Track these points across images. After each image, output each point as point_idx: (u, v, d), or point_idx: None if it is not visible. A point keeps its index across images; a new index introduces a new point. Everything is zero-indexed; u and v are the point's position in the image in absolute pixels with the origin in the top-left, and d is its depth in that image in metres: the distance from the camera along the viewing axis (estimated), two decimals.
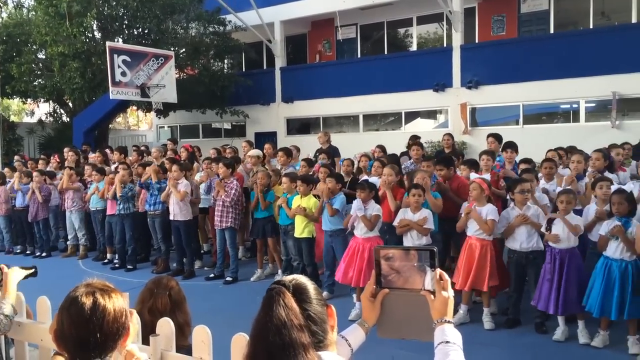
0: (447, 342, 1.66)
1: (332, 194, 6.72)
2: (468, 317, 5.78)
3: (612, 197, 4.99)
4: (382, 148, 9.20)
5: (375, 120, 17.66)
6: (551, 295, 5.18)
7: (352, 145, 12.65)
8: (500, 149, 7.69)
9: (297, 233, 7.08)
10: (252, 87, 17.71)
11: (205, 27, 17.44)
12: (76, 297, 1.67)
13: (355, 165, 8.56)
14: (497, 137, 7.99)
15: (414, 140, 9.79)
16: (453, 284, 5.71)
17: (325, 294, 6.77)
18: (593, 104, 13.94)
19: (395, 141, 12.08)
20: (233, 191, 7.68)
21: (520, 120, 14.61)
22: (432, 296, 1.74)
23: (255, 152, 9.07)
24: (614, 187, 5.21)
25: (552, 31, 15.05)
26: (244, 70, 20.24)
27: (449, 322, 1.71)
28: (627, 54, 12.78)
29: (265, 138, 16.04)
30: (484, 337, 5.41)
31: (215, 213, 7.84)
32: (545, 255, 5.35)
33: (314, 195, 7.16)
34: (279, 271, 7.68)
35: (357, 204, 6.20)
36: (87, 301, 1.65)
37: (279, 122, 18.56)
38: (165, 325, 2.33)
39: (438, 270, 1.76)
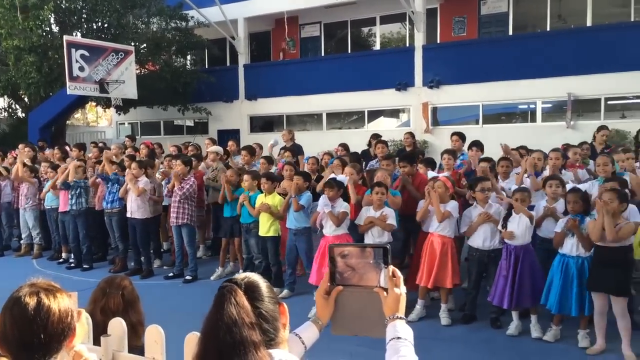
0: (399, 338, 1.68)
1: (300, 192, 6.71)
2: (425, 313, 5.87)
3: (567, 196, 5.14)
4: (345, 146, 9.24)
5: (338, 119, 17.72)
6: (506, 290, 5.30)
7: (316, 143, 12.66)
8: (463, 147, 7.83)
9: (263, 232, 7.01)
10: (215, 84, 17.52)
11: (167, 23, 17.18)
12: (19, 297, 1.62)
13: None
14: (461, 136, 8.13)
15: (375, 138, 9.86)
16: (408, 281, 5.85)
17: (285, 292, 6.77)
18: (549, 105, 14.32)
19: (358, 140, 12.14)
20: (187, 186, 7.57)
21: (480, 119, 14.89)
22: (384, 293, 1.75)
23: (215, 148, 8.99)
24: (569, 186, 5.36)
25: (510, 33, 15.39)
26: (206, 66, 20.03)
27: (400, 318, 1.73)
28: (582, 56, 13.17)
29: (228, 135, 15.91)
30: (441, 332, 5.51)
31: (171, 209, 7.72)
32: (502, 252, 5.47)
33: (278, 194, 7.13)
34: (240, 270, 7.63)
35: (323, 201, 6.20)
36: (31, 301, 1.60)
37: (242, 120, 18.44)
38: (117, 326, 2.29)
39: (391, 267, 1.77)
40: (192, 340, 2.07)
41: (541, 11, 14.94)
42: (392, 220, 5.90)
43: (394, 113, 16.79)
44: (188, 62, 19.88)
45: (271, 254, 7.05)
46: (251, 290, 1.53)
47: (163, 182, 8.49)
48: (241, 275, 1.58)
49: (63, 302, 1.66)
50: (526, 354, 4.94)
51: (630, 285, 4.98)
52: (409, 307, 5.91)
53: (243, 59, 18.40)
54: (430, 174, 6.56)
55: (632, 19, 13.88)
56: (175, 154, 9.07)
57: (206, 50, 19.67)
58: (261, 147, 9.82)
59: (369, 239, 5.93)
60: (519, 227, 5.32)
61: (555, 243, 5.15)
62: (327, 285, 1.83)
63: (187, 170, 7.72)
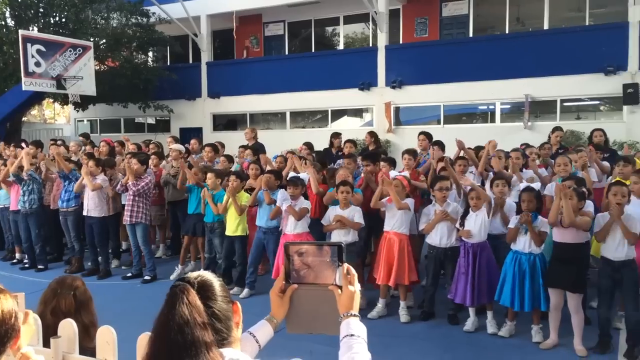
0: (352, 335, 1.69)
1: (270, 188, 6.67)
2: (386, 311, 5.93)
3: (521, 195, 5.27)
4: (309, 145, 9.24)
5: (302, 118, 17.73)
6: (467, 288, 5.41)
7: (280, 142, 12.64)
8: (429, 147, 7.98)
9: (230, 231, 6.95)
10: (177, 82, 17.28)
11: (128, 18, 16.85)
12: None
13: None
14: (428, 135, 8.28)
15: (336, 137, 9.91)
16: (369, 279, 5.91)
17: (246, 291, 6.74)
18: (508, 106, 14.64)
19: (322, 139, 12.16)
20: (143, 184, 7.41)
21: (441, 119, 15.11)
22: (339, 291, 1.77)
23: (177, 146, 8.88)
24: (523, 185, 5.50)
25: (471, 35, 15.67)
26: (169, 63, 19.74)
27: (354, 315, 1.74)
28: (539, 58, 13.51)
29: (190, 133, 15.71)
30: (400, 329, 5.58)
31: (125, 207, 7.57)
32: (460, 250, 5.58)
33: (246, 190, 7.07)
34: (201, 269, 7.53)
35: (282, 195, 6.18)
36: None
37: (205, 118, 18.25)
38: (68, 327, 2.24)
39: (345, 265, 1.79)
40: (144, 341, 2.04)
41: (500, 14, 15.27)
42: (359, 218, 5.94)
43: (357, 112, 16.89)
44: (149, 59, 19.55)
45: (238, 254, 6.98)
46: (204, 290, 1.51)
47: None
48: (194, 274, 1.56)
49: (6, 304, 1.61)
50: (482, 349, 5.05)
51: (586, 281, 5.15)
52: (371, 305, 5.97)
53: (206, 56, 18.21)
54: (392, 173, 6.63)
55: (587, 23, 14.32)
56: (134, 152, 8.90)
57: (168, 47, 19.38)
58: (223, 146, 9.75)
59: (335, 237, 5.95)
60: (476, 225, 5.44)
61: (509, 238, 5.28)
62: (282, 284, 1.83)
63: (144, 169, 7.58)
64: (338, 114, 16.86)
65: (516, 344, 5.11)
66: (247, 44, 18.40)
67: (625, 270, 4.73)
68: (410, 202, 5.95)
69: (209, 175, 7.23)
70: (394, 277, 5.74)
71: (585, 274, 5.10)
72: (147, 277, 7.55)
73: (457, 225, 5.62)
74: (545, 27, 14.76)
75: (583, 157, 6.55)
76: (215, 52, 18.97)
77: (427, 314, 5.81)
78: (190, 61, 19.26)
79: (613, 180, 5.47)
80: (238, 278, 6.94)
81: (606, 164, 7.05)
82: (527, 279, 5.05)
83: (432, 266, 5.85)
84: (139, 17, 17.00)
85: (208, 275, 1.58)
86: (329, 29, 18.31)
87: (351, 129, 14.91)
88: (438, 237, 5.76)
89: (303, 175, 6.71)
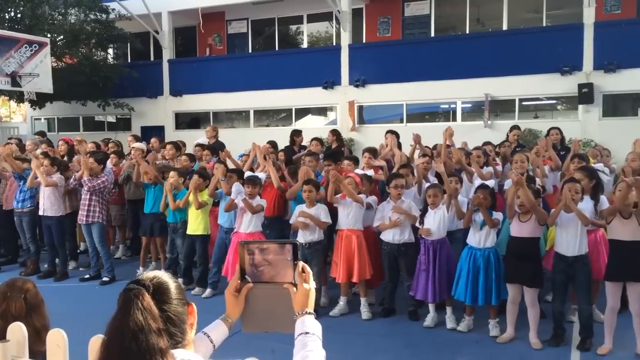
0: (307, 333, 1.70)
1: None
2: (347, 309, 5.96)
3: (476, 192, 5.38)
4: (273, 144, 9.20)
5: (267, 116, 17.65)
6: (428, 284, 5.49)
7: (243, 140, 12.51)
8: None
9: (191, 230, 6.86)
10: (138, 79, 16.95)
11: (86, 14, 16.44)
12: None
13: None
14: (394, 134, 8.35)
15: (297, 135, 9.92)
16: (333, 278, 5.94)
17: (208, 291, 6.68)
18: (469, 105, 14.90)
19: (286, 137, 12.13)
20: (99, 181, 7.24)
21: (404, 118, 15.27)
22: (294, 289, 1.77)
23: (138, 145, 8.73)
24: (477, 183, 5.62)
25: (432, 35, 15.87)
26: (129, 61, 19.34)
27: (309, 313, 1.75)
28: (499, 58, 13.79)
29: (152, 132, 15.47)
30: (361, 326, 5.63)
31: (81, 206, 7.39)
32: (419, 247, 5.65)
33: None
34: (162, 270, 7.42)
35: (236, 188, 6.14)
36: None
37: (167, 116, 17.98)
38: (17, 330, 2.18)
39: (300, 263, 1.80)
40: (96, 344, 2.00)
41: (461, 15, 15.50)
42: (326, 217, 5.95)
43: (321, 111, 16.91)
44: (109, 56, 19.14)
45: (199, 254, 6.91)
46: (159, 293, 1.49)
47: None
48: (150, 275, 1.54)
49: None
50: (441, 344, 5.15)
51: (543, 276, 5.29)
52: (334, 303, 6.00)
53: (168, 53, 17.94)
54: (357, 172, 6.67)
55: (544, 24, 14.69)
56: (93, 151, 8.70)
57: (129, 44, 19.01)
58: (184, 144, 9.63)
59: (300, 236, 5.95)
60: (435, 222, 5.52)
61: (464, 223, 5.40)
62: (238, 283, 1.83)
63: (101, 168, 7.41)
64: (302, 112, 16.85)
65: (474, 338, 5.22)
66: (210, 41, 18.20)
67: (578, 265, 4.89)
68: (372, 200, 6.00)
69: (172, 173, 7.14)
70: (355, 274, 5.75)
71: (541, 269, 5.24)
72: (105, 279, 7.40)
73: (417, 223, 5.69)
74: (505, 27, 15.07)
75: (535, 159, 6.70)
76: (178, 49, 18.72)
77: (387, 311, 5.87)
78: (152, 58, 18.94)
79: (567, 177, 5.62)
80: (199, 278, 6.87)
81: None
82: (482, 273, 5.17)
83: (387, 262, 5.91)
84: (97, 13, 16.60)
85: (164, 277, 1.56)
86: (293, 27, 18.28)
87: (315, 127, 14.92)
88: (391, 233, 5.82)
89: (261, 174, 6.70)
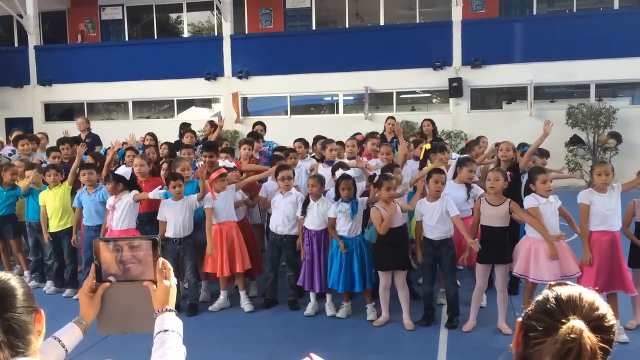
0: (166, 330, 1.66)
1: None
2: (229, 303, 5.92)
3: (339, 182, 5.52)
4: (152, 136, 8.85)
5: (148, 108, 16.99)
6: (314, 274, 5.59)
7: (122, 133, 11.91)
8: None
9: (53, 227, 6.39)
10: (0, 67, 15.58)
11: None
12: None
13: None
14: (263, 125, 8.45)
15: (185, 128, 9.63)
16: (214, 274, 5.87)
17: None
18: (350, 97, 15.35)
19: (168, 129, 11.74)
20: None
21: (289, 110, 15.40)
22: (154, 286, 1.73)
23: None
24: (338, 173, 5.75)
25: (314, 28, 16.12)
26: None
27: (170, 310, 1.71)
28: (377, 52, 14.33)
29: (18, 124, 14.25)
30: (242, 319, 5.60)
31: None
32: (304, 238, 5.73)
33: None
34: (25, 273, 6.93)
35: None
36: None
37: (35, 107, 16.69)
38: None
39: (161, 260, 1.76)
40: None
41: (341, 9, 15.90)
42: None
43: (205, 103, 16.59)
44: None
45: (67, 252, 6.48)
46: (2, 300, 1.37)
47: None
48: None
49: None
50: (322, 331, 5.26)
51: (410, 259, 5.58)
52: (215, 297, 5.93)
53: (34, 39, 16.60)
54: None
55: (417, 21, 15.47)
56: None
57: None
58: (47, 137, 9.01)
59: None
60: (319, 214, 5.61)
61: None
62: (93, 283, 1.75)
63: None
64: (185, 104, 16.42)
65: (352, 324, 5.40)
66: (82, 27, 17.12)
67: (444, 248, 5.22)
68: (239, 194, 6.04)
69: (28, 172, 6.68)
70: (239, 264, 5.72)
71: (408, 253, 5.54)
72: None
73: (299, 213, 5.75)
74: (382, 23, 15.67)
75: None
76: (45, 35, 17.43)
77: (269, 302, 5.89)
78: (16, 44, 17.47)
79: (432, 167, 5.92)
80: (70, 279, 6.46)
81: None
82: (356, 261, 5.36)
83: (270, 252, 5.97)
84: None
85: (11, 282, 1.43)
86: (173, 15, 17.71)
87: (200, 119, 14.55)
88: (275, 224, 5.88)
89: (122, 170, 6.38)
